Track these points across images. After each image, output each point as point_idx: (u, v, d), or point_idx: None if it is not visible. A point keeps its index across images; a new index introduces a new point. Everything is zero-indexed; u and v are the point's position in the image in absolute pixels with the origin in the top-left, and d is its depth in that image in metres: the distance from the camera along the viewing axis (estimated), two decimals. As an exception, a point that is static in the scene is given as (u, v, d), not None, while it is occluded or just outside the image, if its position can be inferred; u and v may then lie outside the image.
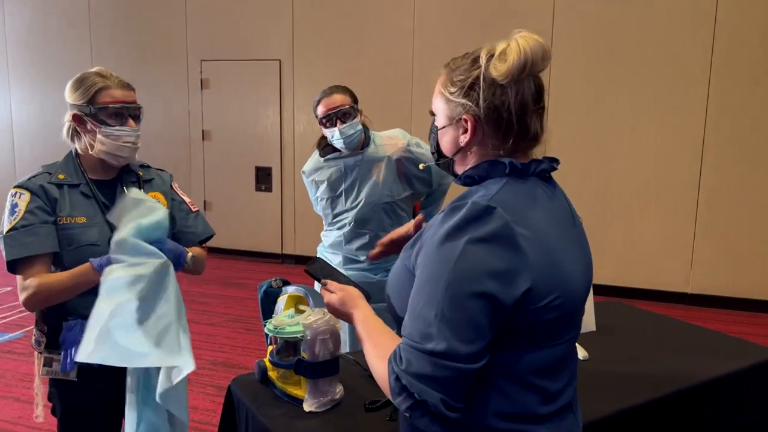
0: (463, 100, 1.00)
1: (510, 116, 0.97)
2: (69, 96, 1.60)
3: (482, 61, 0.98)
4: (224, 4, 5.97)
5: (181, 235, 1.74)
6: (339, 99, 2.18)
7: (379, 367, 0.98)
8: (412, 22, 5.38)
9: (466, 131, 1.02)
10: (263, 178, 6.11)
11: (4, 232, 1.51)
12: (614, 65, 4.83)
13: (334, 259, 2.38)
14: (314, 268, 1.33)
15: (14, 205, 1.53)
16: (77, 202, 1.60)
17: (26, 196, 1.54)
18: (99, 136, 1.58)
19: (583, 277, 1.03)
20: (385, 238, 1.44)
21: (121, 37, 6.39)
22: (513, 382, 0.96)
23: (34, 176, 1.59)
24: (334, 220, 2.36)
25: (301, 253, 6.10)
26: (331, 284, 1.22)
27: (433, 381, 0.88)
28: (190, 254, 1.59)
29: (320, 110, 2.20)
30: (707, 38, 4.59)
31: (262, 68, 5.92)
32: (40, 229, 1.51)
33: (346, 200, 2.30)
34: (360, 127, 2.23)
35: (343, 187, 2.30)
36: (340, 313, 1.17)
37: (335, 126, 2.18)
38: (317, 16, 5.70)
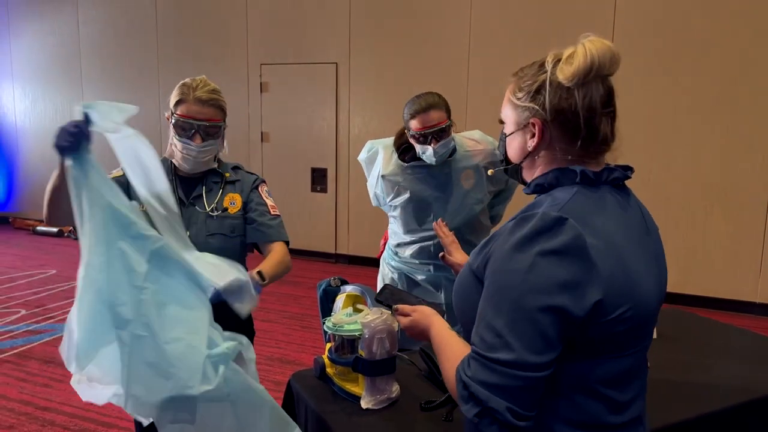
0: (530, 104, 1.01)
1: (577, 119, 0.97)
2: (170, 98, 1.74)
3: (548, 65, 0.99)
4: (284, 10, 6.12)
5: (254, 232, 1.79)
6: (436, 117, 2.01)
7: (450, 375, 0.99)
8: (469, 24, 5.36)
9: (533, 136, 1.02)
10: (319, 179, 6.23)
11: None
12: (676, 65, 4.66)
13: (418, 270, 2.26)
14: (384, 296, 1.39)
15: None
16: None
17: (118, 171, 1.70)
18: (172, 140, 1.71)
19: (656, 287, 1.01)
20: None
21: (186, 43, 6.65)
22: (581, 391, 0.96)
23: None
24: (423, 227, 2.21)
25: (355, 253, 6.17)
26: (403, 308, 1.25)
27: (500, 390, 0.89)
28: (255, 273, 1.53)
29: (414, 125, 2.04)
30: (780, 35, 4.38)
31: (319, 71, 6.03)
32: None
33: (435, 209, 2.18)
34: (453, 143, 2.11)
35: (432, 196, 2.17)
36: (417, 332, 1.20)
37: (429, 144, 2.05)
38: (373, 20, 5.76)
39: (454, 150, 2.18)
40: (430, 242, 2.20)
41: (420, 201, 2.18)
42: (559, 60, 0.99)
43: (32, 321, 4.39)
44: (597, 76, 0.97)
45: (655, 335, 1.98)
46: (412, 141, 2.13)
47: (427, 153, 2.08)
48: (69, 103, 7.46)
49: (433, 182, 2.18)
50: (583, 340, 0.93)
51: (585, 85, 0.96)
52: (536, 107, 1.00)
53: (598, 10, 4.85)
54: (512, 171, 1.12)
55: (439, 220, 1.80)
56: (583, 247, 0.89)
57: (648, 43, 4.73)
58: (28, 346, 3.91)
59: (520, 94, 1.03)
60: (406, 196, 2.18)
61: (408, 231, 2.25)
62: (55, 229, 7.43)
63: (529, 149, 1.04)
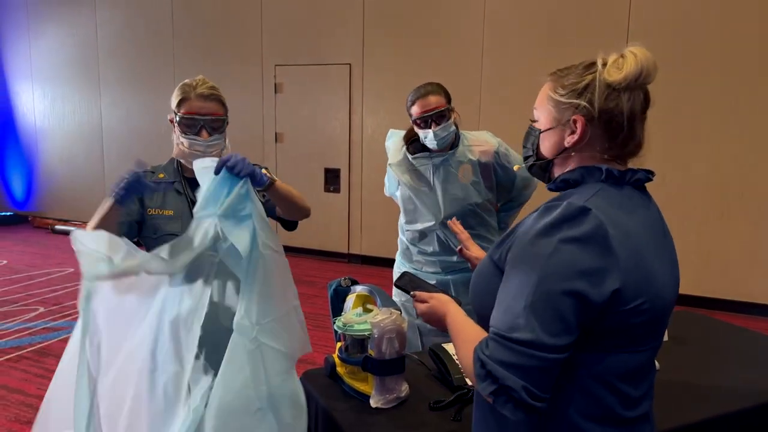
0: (576, 101, 1.03)
1: (621, 119, 1.01)
2: (171, 101, 1.77)
3: (598, 66, 1.03)
4: (298, 11, 6.15)
5: (272, 206, 1.85)
6: (435, 101, 2.14)
7: (466, 356, 1.01)
8: (482, 24, 5.35)
9: (573, 132, 1.05)
10: (332, 179, 6.25)
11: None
12: (693, 65, 4.62)
13: (421, 253, 2.35)
14: (403, 282, 1.41)
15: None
16: (169, 197, 1.76)
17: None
18: (179, 141, 1.74)
19: (671, 288, 1.04)
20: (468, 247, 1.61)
21: (201, 45, 6.71)
22: (596, 382, 0.98)
23: (143, 171, 1.80)
24: (421, 217, 2.31)
25: (368, 253, 6.19)
26: (420, 295, 1.27)
27: (517, 369, 0.92)
28: (265, 172, 1.60)
29: (415, 111, 2.17)
30: (798, 35, 4.32)
31: (333, 72, 6.06)
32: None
33: (432, 198, 2.27)
34: (453, 128, 2.20)
35: (428, 186, 2.28)
36: (433, 319, 1.23)
37: (429, 128, 2.15)
38: (387, 22, 5.78)
39: (457, 141, 2.25)
40: (430, 236, 2.30)
41: (417, 193, 2.28)
42: (605, 63, 1.03)
43: (50, 318, 4.46)
44: (642, 83, 1.02)
45: (666, 337, 1.98)
46: (415, 128, 2.23)
47: (429, 137, 2.18)
48: (87, 103, 7.58)
49: (432, 172, 2.27)
50: (600, 329, 0.95)
51: (630, 89, 1.01)
52: (584, 104, 1.03)
53: (613, 10, 4.82)
54: (537, 168, 1.14)
55: (453, 218, 1.84)
56: (605, 237, 0.93)
57: (662, 44, 4.69)
58: (46, 343, 3.97)
59: (562, 92, 1.05)
60: (406, 183, 2.30)
61: (408, 220, 2.36)
62: (73, 228, 7.54)
63: (567, 145, 1.06)
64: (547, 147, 1.10)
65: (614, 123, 1.02)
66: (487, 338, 0.97)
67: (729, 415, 1.53)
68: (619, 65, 1.01)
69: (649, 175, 1.06)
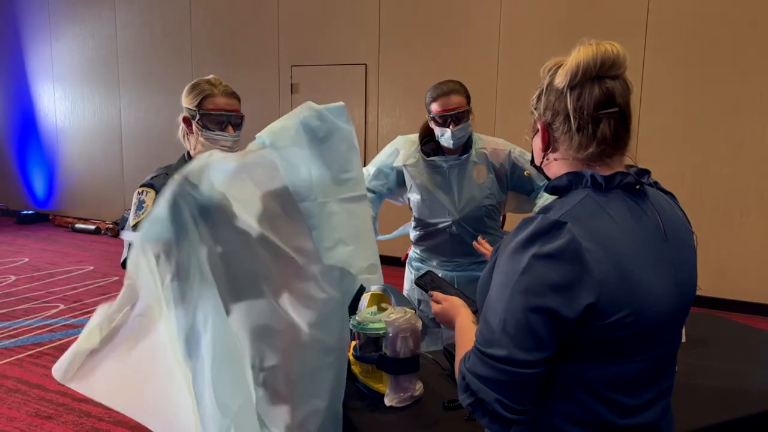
0: (534, 109, 1.06)
1: (568, 120, 1.00)
2: (183, 99, 1.79)
3: (546, 71, 1.04)
4: (314, 12, 6.18)
5: None
6: (456, 101, 2.13)
7: (457, 367, 1.03)
8: (498, 26, 5.33)
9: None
10: (348, 179, 6.26)
11: (131, 225, 1.63)
12: (713, 61, 4.56)
13: (436, 269, 2.33)
14: (424, 281, 1.42)
15: (141, 202, 1.67)
16: None
17: (152, 193, 1.67)
18: (201, 139, 1.76)
19: (671, 296, 0.99)
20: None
21: (219, 46, 6.77)
22: (584, 391, 0.97)
23: (155, 176, 1.74)
24: (435, 219, 2.30)
25: (383, 253, 6.16)
26: (437, 295, 1.30)
27: (491, 383, 0.94)
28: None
29: (435, 108, 2.15)
30: (822, 33, 4.24)
31: (349, 72, 6.08)
32: None
33: (447, 200, 2.26)
34: (470, 128, 2.20)
35: (445, 188, 2.26)
36: (445, 320, 1.25)
37: (448, 127, 2.14)
38: (402, 22, 5.78)
39: (470, 143, 2.25)
40: (443, 235, 2.28)
41: (433, 193, 2.27)
42: (560, 66, 1.02)
43: (70, 315, 4.53)
44: (589, 79, 0.97)
45: (684, 339, 1.95)
46: (431, 124, 2.22)
47: (446, 135, 2.17)
48: (106, 103, 7.68)
49: (448, 175, 2.26)
50: (580, 342, 0.94)
51: (577, 87, 0.98)
52: (536, 112, 1.06)
53: (631, 9, 4.77)
54: (540, 170, 1.15)
55: (479, 237, 1.89)
56: (577, 251, 0.90)
57: (682, 41, 4.63)
58: (66, 340, 4.03)
59: (533, 98, 1.08)
60: (418, 186, 2.28)
61: (420, 224, 2.34)
62: (92, 227, 7.65)
63: (540, 151, 1.08)
64: (534, 153, 1.12)
65: (566, 125, 1.00)
66: (470, 351, 0.99)
67: (747, 418, 1.51)
68: (563, 66, 1.00)
69: (641, 178, 1.00)
